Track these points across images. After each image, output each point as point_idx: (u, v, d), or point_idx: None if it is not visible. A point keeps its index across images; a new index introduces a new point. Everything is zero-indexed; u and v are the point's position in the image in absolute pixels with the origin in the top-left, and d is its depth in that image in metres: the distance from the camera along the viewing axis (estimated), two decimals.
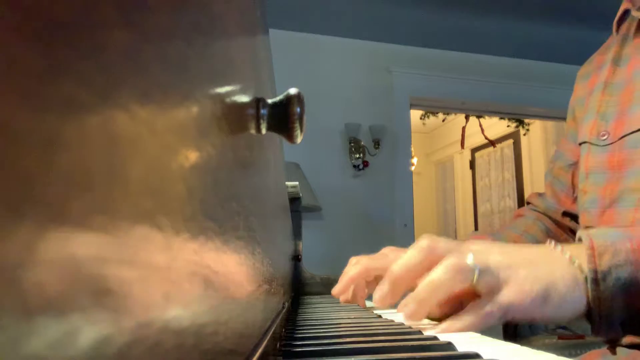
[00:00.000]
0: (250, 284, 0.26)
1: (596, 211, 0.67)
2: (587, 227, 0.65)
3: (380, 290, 0.52)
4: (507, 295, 0.46)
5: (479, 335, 0.46)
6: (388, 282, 0.52)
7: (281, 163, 0.76)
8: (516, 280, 0.46)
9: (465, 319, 0.46)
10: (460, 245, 0.51)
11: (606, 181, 0.65)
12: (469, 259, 0.47)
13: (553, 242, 0.51)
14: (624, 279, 0.45)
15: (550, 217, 0.88)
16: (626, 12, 0.72)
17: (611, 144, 0.66)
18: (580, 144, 0.73)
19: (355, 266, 0.72)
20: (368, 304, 0.74)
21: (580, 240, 0.49)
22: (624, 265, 0.45)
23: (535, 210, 0.90)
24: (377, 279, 0.69)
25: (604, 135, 0.67)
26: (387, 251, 0.73)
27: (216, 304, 0.17)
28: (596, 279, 0.45)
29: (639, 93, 0.64)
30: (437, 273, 0.47)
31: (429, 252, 0.50)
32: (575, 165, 0.81)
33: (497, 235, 0.85)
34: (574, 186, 0.82)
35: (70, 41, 0.08)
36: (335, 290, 0.75)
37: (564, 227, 0.86)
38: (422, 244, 0.51)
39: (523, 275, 0.46)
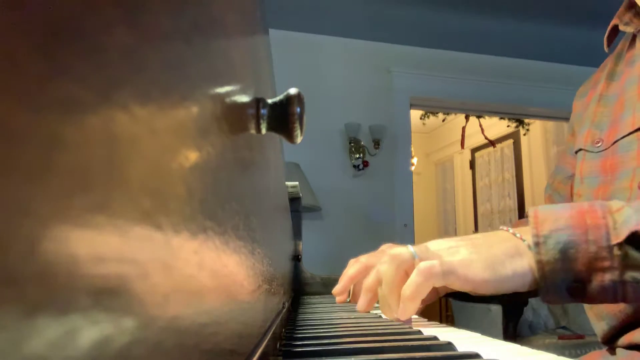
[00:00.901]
0: (250, 284, 0.26)
1: None
2: None
3: (361, 301, 0.61)
4: (450, 258, 0.50)
5: (479, 335, 0.46)
6: (363, 295, 0.60)
7: (281, 163, 0.76)
8: (457, 251, 0.51)
9: (410, 281, 0.49)
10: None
11: (599, 184, 0.67)
12: (408, 248, 0.53)
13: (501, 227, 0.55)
14: (564, 241, 0.47)
15: None
16: (615, 28, 0.73)
17: (605, 150, 0.68)
18: (576, 152, 0.75)
19: (355, 265, 0.73)
20: None
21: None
22: (564, 229, 0.47)
23: None
24: None
25: (598, 143, 0.70)
26: (386, 247, 0.74)
27: (216, 304, 0.17)
28: (538, 243, 0.48)
29: (630, 101, 0.66)
30: (382, 266, 0.53)
31: (398, 261, 0.55)
32: (573, 176, 0.82)
33: None
34: (572, 197, 0.83)
35: (70, 41, 0.08)
36: (335, 290, 0.76)
37: None
38: (383, 263, 0.57)
39: (464, 249, 0.51)
